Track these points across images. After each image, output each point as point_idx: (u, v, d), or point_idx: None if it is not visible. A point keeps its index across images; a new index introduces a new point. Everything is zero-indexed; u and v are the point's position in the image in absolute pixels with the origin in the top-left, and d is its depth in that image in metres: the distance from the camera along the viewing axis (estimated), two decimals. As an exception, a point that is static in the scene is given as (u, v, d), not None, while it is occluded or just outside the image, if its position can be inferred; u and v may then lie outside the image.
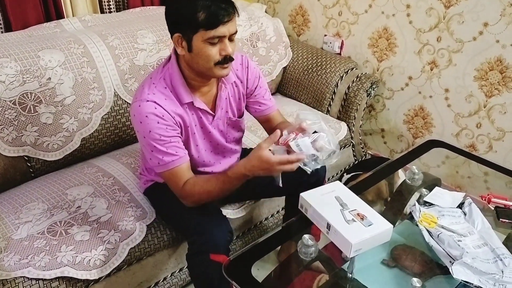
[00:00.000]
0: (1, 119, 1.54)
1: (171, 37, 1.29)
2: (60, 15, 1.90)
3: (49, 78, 1.63)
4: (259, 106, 1.56)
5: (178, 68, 1.33)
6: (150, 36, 1.90)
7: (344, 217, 1.36)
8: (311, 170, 1.30)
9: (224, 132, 1.52)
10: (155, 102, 1.29)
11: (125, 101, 1.83)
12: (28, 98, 1.58)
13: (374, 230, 1.32)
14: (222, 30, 1.22)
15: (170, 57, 1.37)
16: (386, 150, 2.49)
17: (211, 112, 1.44)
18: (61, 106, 1.66)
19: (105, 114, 1.78)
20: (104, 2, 2.03)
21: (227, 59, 1.28)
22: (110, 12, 2.05)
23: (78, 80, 1.69)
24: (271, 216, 1.95)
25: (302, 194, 1.45)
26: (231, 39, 1.28)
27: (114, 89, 1.79)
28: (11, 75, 1.55)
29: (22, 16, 1.78)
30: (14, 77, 1.56)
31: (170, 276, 1.66)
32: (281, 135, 1.30)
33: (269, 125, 1.60)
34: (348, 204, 1.41)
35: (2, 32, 1.77)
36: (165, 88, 1.33)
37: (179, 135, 1.36)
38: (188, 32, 1.23)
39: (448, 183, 2.10)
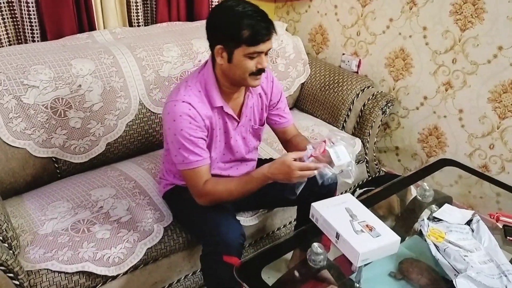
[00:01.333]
0: (34, 122, 1.65)
1: (211, 47, 1.39)
2: (92, 27, 2.01)
3: (80, 85, 1.73)
4: (279, 118, 1.67)
5: (213, 74, 1.44)
6: (175, 50, 2.00)
7: (353, 228, 1.41)
8: (327, 177, 1.38)
9: (246, 139, 1.61)
10: (189, 103, 1.39)
11: (149, 110, 1.92)
12: (60, 103, 1.69)
13: (381, 241, 1.37)
14: (262, 47, 1.34)
15: (205, 63, 1.48)
16: (400, 168, 2.53)
17: (236, 118, 1.53)
18: (89, 112, 1.76)
19: (129, 121, 1.88)
20: (133, 16, 2.14)
21: (260, 71, 1.39)
22: (138, 25, 2.17)
23: (106, 88, 1.80)
24: (283, 227, 2.01)
25: (314, 204, 1.51)
26: (266, 53, 1.39)
27: (140, 98, 1.89)
28: (45, 81, 1.66)
29: (57, 26, 1.90)
30: (47, 83, 1.67)
31: (184, 278, 1.72)
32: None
33: (284, 137, 1.71)
34: (357, 215, 1.46)
35: (38, 41, 1.89)
36: (199, 91, 1.43)
37: (206, 137, 1.45)
38: (231, 46, 1.34)
39: (461, 202, 2.13)
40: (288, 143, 1.71)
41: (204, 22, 2.27)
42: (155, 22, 2.21)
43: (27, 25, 1.85)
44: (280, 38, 2.41)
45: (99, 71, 1.78)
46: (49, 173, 1.76)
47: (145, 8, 2.19)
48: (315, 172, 1.37)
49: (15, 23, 1.88)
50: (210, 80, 1.43)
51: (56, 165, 1.76)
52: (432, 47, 2.17)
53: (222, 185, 1.46)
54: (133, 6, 2.11)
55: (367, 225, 1.42)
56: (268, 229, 1.94)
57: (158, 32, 2.08)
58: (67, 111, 1.71)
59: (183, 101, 1.39)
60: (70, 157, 1.77)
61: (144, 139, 1.96)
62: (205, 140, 1.45)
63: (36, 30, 1.87)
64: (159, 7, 2.18)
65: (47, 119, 1.67)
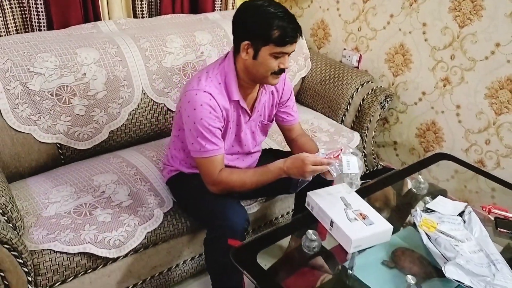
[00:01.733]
0: (39, 108, 1.69)
1: (237, 41, 1.44)
2: (97, 17, 2.06)
3: (84, 74, 1.78)
4: (287, 116, 1.73)
5: (234, 68, 1.48)
6: (178, 41, 2.04)
7: (347, 216, 1.46)
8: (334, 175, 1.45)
9: (254, 133, 1.67)
10: (210, 94, 1.43)
11: (152, 99, 1.97)
12: (64, 90, 1.74)
13: (374, 229, 1.42)
14: (288, 48, 1.40)
15: (226, 56, 1.52)
16: (398, 162, 2.56)
17: (249, 112, 1.58)
18: (93, 99, 1.81)
19: (132, 110, 1.92)
20: (138, 7, 2.18)
21: (282, 71, 1.46)
22: (142, 17, 2.21)
23: (110, 77, 1.84)
24: (281, 217, 2.05)
25: (310, 193, 1.56)
26: (289, 55, 1.44)
27: (142, 88, 1.93)
28: (50, 69, 1.71)
29: (63, 16, 1.95)
30: (53, 71, 1.71)
31: (183, 263, 1.77)
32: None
33: (289, 134, 1.77)
34: (352, 204, 1.51)
35: (45, 30, 1.93)
36: (219, 84, 1.48)
37: (222, 128, 1.50)
38: (259, 43, 1.39)
39: (456, 197, 2.16)
40: (293, 142, 1.76)
41: (207, 15, 2.35)
42: (159, 14, 2.26)
43: (34, 14, 1.90)
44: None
45: (103, 60, 1.83)
46: (53, 158, 1.80)
47: (150, 0, 2.23)
48: (327, 167, 1.43)
49: (23, 12, 1.92)
50: (231, 73, 1.48)
51: (60, 151, 1.81)
52: (431, 43, 2.20)
53: (236, 175, 1.51)
54: (138, -2, 2.15)
55: (360, 214, 1.47)
56: (267, 218, 1.99)
57: (162, 23, 2.12)
58: (72, 98, 1.75)
59: (205, 91, 1.43)
60: (74, 143, 1.81)
61: (146, 128, 2.00)
62: (221, 130, 1.50)
63: (43, 19, 1.92)
64: (163, -1, 2.22)
65: (52, 105, 1.72)
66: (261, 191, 1.82)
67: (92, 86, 1.79)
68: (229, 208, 1.48)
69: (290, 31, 1.37)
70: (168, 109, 2.02)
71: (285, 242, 1.60)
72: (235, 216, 1.46)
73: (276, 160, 1.50)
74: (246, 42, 1.40)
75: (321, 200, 1.52)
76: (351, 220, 1.44)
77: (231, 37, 2.21)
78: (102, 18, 2.07)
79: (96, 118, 1.83)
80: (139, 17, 2.20)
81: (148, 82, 1.94)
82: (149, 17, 2.23)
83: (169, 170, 1.70)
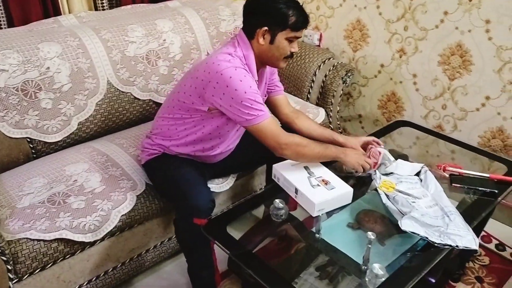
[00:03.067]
0: (6, 104, 1.72)
1: (253, 29, 1.53)
2: (57, 12, 2.08)
3: (48, 68, 1.81)
4: (274, 88, 1.82)
5: (253, 52, 1.57)
6: (139, 30, 2.07)
7: (310, 183, 1.55)
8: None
9: None
10: (245, 70, 1.53)
11: (118, 89, 2.00)
12: (30, 85, 1.76)
13: (335, 192, 1.51)
14: (300, 33, 1.56)
15: (234, 44, 1.57)
16: (364, 134, 2.65)
17: None
18: (59, 92, 1.84)
19: (99, 101, 1.96)
20: (98, 0, 2.21)
21: (292, 55, 1.60)
22: (103, 9, 2.23)
23: (74, 70, 1.87)
24: (260, 190, 2.13)
25: (275, 166, 1.64)
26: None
27: (107, 78, 1.97)
28: (14, 65, 1.73)
29: (23, 13, 1.97)
30: (16, 67, 1.73)
31: (160, 244, 1.83)
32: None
33: (279, 110, 1.85)
34: (315, 172, 1.59)
35: (5, 28, 1.95)
36: (244, 65, 1.55)
37: None
38: (276, 28, 1.51)
39: (419, 161, 2.26)
40: (291, 124, 1.83)
41: (167, 3, 2.39)
42: (120, 5, 2.28)
43: (-7, 13, 1.91)
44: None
45: (65, 53, 1.86)
46: (25, 153, 1.83)
47: (109, -8, 2.26)
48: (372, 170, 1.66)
49: (-19, 11, 1.93)
50: (251, 55, 1.57)
51: (31, 145, 1.84)
52: (385, 17, 2.29)
53: (299, 138, 1.61)
54: (97, -10, 2.18)
55: (323, 180, 1.56)
56: (240, 195, 2.06)
57: (122, 14, 2.16)
58: (38, 92, 1.78)
59: (241, 68, 1.50)
60: (44, 137, 1.84)
61: (115, 118, 2.04)
62: None
63: (3, 17, 1.94)
64: (123, -10, 2.25)
65: (18, 101, 1.75)
66: (233, 169, 1.90)
67: (57, 79, 1.82)
68: (193, 189, 1.55)
69: (304, 18, 1.53)
70: (135, 98, 2.06)
71: (256, 214, 1.68)
72: (199, 196, 1.52)
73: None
74: (265, 28, 1.51)
75: (286, 171, 1.60)
76: (314, 187, 1.53)
77: (192, 23, 2.27)
78: (62, 13, 2.10)
79: (63, 110, 1.86)
80: (100, 10, 2.23)
81: (112, 72, 1.98)
82: (109, 9, 2.26)
83: (149, 153, 1.72)
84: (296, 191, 1.53)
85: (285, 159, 1.62)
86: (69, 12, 2.13)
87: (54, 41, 1.85)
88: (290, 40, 1.54)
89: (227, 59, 1.50)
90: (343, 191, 1.52)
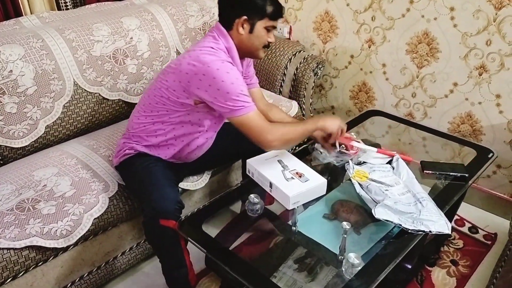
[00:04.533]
0: (-33, 110, 1.66)
1: (232, 18, 1.55)
2: (18, 14, 2.02)
3: (11, 71, 1.75)
4: (250, 81, 1.82)
5: (234, 43, 1.58)
6: (105, 29, 2.03)
7: (284, 176, 1.54)
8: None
9: None
10: (230, 63, 1.53)
11: (85, 90, 1.96)
12: (-8, 89, 1.71)
13: (309, 184, 1.51)
14: (276, 23, 1.60)
15: (216, 33, 1.57)
16: (338, 125, 2.68)
17: None
18: (23, 96, 1.78)
19: (66, 103, 1.91)
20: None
21: (269, 45, 1.62)
22: (67, 8, 2.18)
23: (39, 72, 1.82)
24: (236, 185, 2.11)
25: (249, 161, 1.63)
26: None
27: (74, 79, 1.92)
28: (-27, 69, 1.68)
29: (-19, 15, 1.90)
30: (-23, 71, 1.68)
31: (136, 246, 1.80)
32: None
33: (252, 97, 1.80)
34: (288, 165, 1.59)
35: (-37, 31, 1.88)
36: (228, 57, 1.55)
37: None
38: (255, 18, 1.54)
39: (392, 150, 2.30)
40: (265, 117, 1.78)
41: (133, 0, 2.33)
42: (84, 4, 2.23)
43: (-51, 16, 1.84)
44: (212, 11, 2.46)
45: (29, 55, 1.80)
46: (-9, 160, 1.78)
47: (72, -9, 2.21)
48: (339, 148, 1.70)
49: None
50: (234, 49, 1.58)
51: (-3, 152, 1.78)
52: (352, 7, 2.31)
53: (282, 125, 1.63)
54: (59, -11, 2.12)
55: (297, 173, 1.56)
56: (216, 193, 2.04)
57: (87, 13, 2.10)
58: (1, 97, 1.72)
59: (225, 60, 1.50)
60: (10, 142, 1.79)
61: (84, 119, 1.99)
62: None
63: (-40, 20, 1.86)
64: (86, -11, 2.20)
65: (-19, 106, 1.69)
66: (207, 165, 1.88)
67: (21, 82, 1.77)
68: (158, 191, 1.52)
69: (280, 8, 1.57)
70: (104, 98, 2.02)
71: (231, 211, 1.67)
72: (162, 199, 1.49)
73: None
74: (244, 17, 1.52)
75: (259, 166, 1.59)
76: (288, 180, 1.53)
77: (159, 19, 2.23)
78: (23, 14, 2.03)
79: (29, 114, 1.81)
80: (63, 9, 2.17)
81: (78, 72, 1.93)
82: (73, 8, 2.20)
83: (123, 154, 1.69)
84: (271, 185, 1.53)
85: (259, 153, 1.62)
86: (31, 13, 2.07)
87: (16, 43, 1.79)
88: (268, 30, 1.57)
89: (211, 52, 1.50)
90: (317, 182, 1.53)
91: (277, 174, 1.56)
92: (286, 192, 1.46)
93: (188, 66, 1.50)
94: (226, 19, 1.57)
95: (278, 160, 1.62)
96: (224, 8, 1.59)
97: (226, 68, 1.47)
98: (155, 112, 1.63)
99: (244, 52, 1.62)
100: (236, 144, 1.70)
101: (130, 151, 1.67)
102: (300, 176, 1.55)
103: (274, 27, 1.59)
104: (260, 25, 1.55)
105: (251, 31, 1.55)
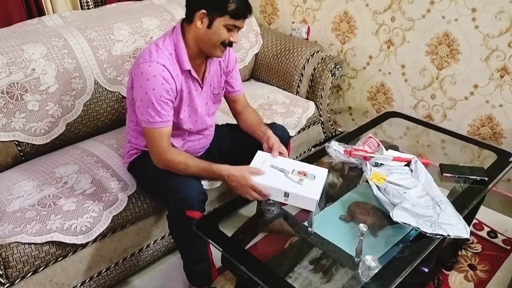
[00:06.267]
0: (-9, 107, 1.70)
1: (192, 11, 1.49)
2: (41, 13, 2.05)
3: (34, 69, 1.78)
4: (232, 87, 1.79)
5: (183, 39, 1.54)
6: (125, 28, 2.06)
7: (293, 180, 1.45)
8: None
9: (208, 104, 1.71)
10: (163, 65, 1.48)
11: (105, 89, 1.99)
12: (15, 87, 1.74)
13: (320, 179, 1.46)
14: (240, 23, 1.50)
15: (172, 30, 1.56)
16: (355, 126, 2.65)
17: (201, 83, 1.63)
18: (45, 94, 1.82)
19: (87, 101, 1.94)
20: (83, -1, 2.19)
21: (230, 44, 1.54)
22: (88, 8, 2.21)
23: (60, 70, 1.85)
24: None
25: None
26: (238, 31, 1.54)
27: (94, 78, 1.95)
28: (-2, 67, 1.71)
29: (6, 15, 1.94)
30: (1, 69, 1.71)
31: (153, 243, 1.82)
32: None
33: (234, 105, 1.84)
34: (285, 168, 1.50)
35: (-12, 30, 1.92)
36: (170, 54, 1.52)
37: (174, 100, 1.55)
38: (214, 13, 1.47)
39: (410, 152, 2.28)
40: (239, 115, 1.82)
41: (153, 0, 2.36)
42: (105, 4, 2.26)
43: (-25, 15, 1.89)
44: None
45: (51, 54, 1.84)
46: (13, 156, 1.81)
47: (94, -9, 2.24)
48: (265, 198, 1.45)
49: (-37, 13, 1.91)
50: (181, 44, 1.53)
51: (19, 148, 1.82)
52: (372, 8, 2.29)
53: (184, 157, 1.55)
54: (81, -11, 2.16)
55: (299, 172, 1.48)
56: (231, 193, 2.05)
57: (108, 13, 2.14)
58: (24, 94, 1.76)
59: (157, 62, 1.47)
60: (32, 139, 1.82)
61: (104, 117, 2.02)
62: (172, 102, 1.54)
63: (-15, 19, 1.91)
64: (108, -12, 2.23)
65: (4, 104, 1.72)
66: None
67: (43, 80, 1.80)
68: (183, 182, 1.53)
69: (245, 7, 1.48)
70: (123, 97, 2.05)
71: (248, 210, 1.67)
72: (189, 188, 1.51)
73: (221, 164, 1.53)
74: (203, 11, 1.46)
75: (263, 181, 1.44)
76: (299, 182, 1.44)
77: (179, 19, 2.25)
78: (46, 13, 2.07)
79: (51, 112, 1.84)
80: (84, 9, 2.20)
81: (99, 71, 1.96)
82: (94, 8, 2.23)
83: (129, 154, 1.73)
84: (286, 194, 1.41)
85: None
86: (53, 12, 2.11)
87: (38, 42, 1.83)
88: (229, 29, 1.49)
89: (150, 52, 1.50)
90: (323, 174, 1.49)
91: (285, 181, 1.45)
92: (310, 196, 1.39)
93: (131, 68, 1.54)
94: (188, 11, 1.53)
95: (270, 166, 1.50)
96: (187, 0, 1.54)
97: (149, 74, 1.46)
98: (133, 115, 1.63)
99: (202, 48, 1.55)
100: (251, 140, 1.69)
101: (137, 151, 1.70)
102: (305, 175, 1.47)
103: (237, 27, 1.51)
104: (220, 22, 1.47)
105: (209, 26, 1.49)
